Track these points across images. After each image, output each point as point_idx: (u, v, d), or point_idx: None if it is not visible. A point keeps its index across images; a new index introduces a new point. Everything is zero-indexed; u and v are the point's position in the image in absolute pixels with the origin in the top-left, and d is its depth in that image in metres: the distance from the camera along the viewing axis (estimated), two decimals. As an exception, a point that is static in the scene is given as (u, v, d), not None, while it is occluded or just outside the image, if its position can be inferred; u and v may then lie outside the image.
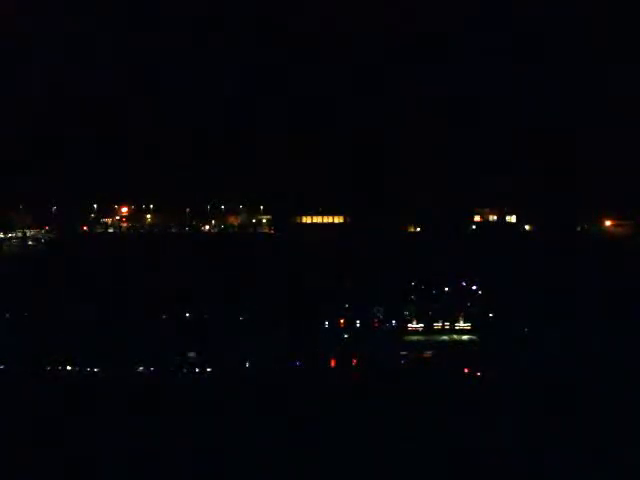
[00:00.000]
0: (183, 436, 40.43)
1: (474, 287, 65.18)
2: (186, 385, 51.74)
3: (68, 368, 53.63)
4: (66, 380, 52.48)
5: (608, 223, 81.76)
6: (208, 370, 53.43)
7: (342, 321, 62.48)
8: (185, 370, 53.48)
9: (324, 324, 62.04)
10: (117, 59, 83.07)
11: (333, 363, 55.37)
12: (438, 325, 62.43)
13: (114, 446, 38.90)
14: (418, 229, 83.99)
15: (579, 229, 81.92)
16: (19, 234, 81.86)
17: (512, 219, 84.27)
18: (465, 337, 61.90)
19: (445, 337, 61.58)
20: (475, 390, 49.93)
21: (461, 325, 62.46)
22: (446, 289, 65.84)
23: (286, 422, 42.33)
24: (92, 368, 53.27)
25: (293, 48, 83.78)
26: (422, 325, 62.14)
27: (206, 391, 50.12)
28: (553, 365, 53.66)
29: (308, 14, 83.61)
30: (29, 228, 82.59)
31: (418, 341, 60.18)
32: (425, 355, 57.50)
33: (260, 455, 38.07)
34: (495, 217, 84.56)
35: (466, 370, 53.52)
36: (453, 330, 62.09)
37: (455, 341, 60.73)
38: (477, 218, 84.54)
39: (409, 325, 62.22)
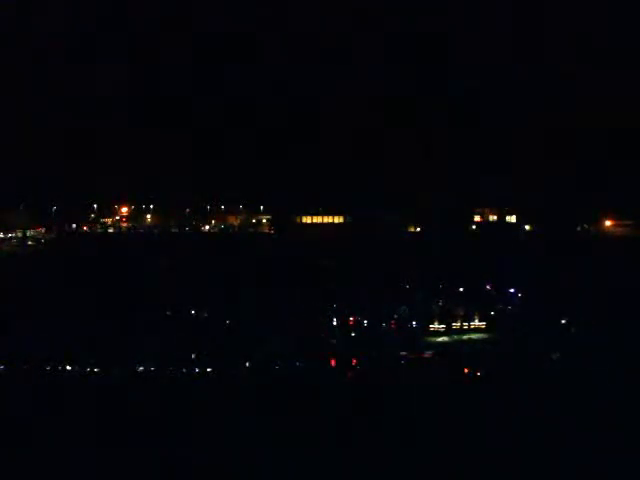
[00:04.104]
0: (183, 436, 40.43)
1: (511, 289, 65.68)
2: (186, 385, 51.69)
3: (68, 368, 53.59)
4: (66, 380, 52.43)
5: (608, 223, 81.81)
6: (208, 370, 53.39)
7: (352, 319, 62.65)
8: (185, 370, 53.44)
9: (332, 322, 62.19)
10: (118, 59, 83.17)
11: (333, 363, 55.33)
12: (456, 325, 62.74)
13: (114, 446, 38.91)
14: (418, 229, 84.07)
15: (579, 229, 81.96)
16: (19, 234, 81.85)
17: (512, 219, 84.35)
18: (465, 337, 62.01)
19: (446, 338, 61.66)
20: (476, 390, 49.94)
21: (476, 324, 62.74)
22: (460, 289, 66.23)
23: (286, 422, 42.33)
24: (92, 368, 53.23)
25: (292, 48, 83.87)
26: (444, 326, 62.32)
27: (206, 391, 50.08)
28: (553, 364, 53.72)
29: (307, 16, 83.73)
30: (29, 228, 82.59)
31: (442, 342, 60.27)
32: (425, 355, 57.47)
33: (260, 454, 38.08)
34: (495, 217, 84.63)
35: (466, 370, 53.47)
36: (470, 329, 62.38)
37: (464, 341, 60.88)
38: (477, 218, 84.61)
39: (430, 326, 62.42)
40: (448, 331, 62.21)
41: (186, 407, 45.32)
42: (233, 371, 53.17)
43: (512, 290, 65.77)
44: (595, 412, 42.25)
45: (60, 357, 53.92)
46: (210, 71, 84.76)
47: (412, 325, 62.25)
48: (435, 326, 62.38)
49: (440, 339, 61.33)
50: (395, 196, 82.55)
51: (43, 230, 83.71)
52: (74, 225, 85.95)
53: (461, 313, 63.13)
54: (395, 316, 62.73)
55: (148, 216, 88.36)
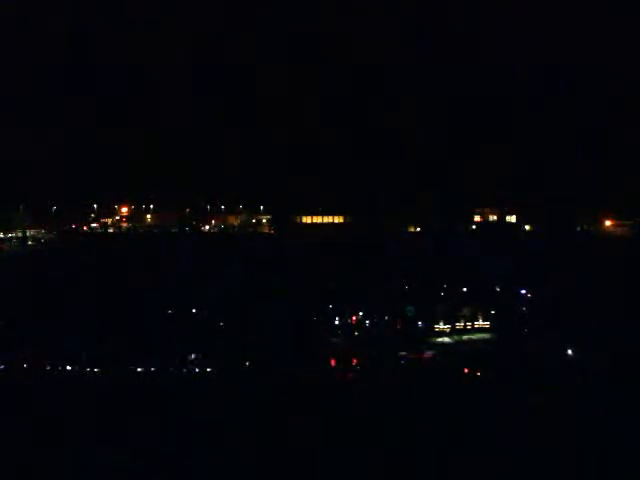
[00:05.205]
0: (183, 436, 40.42)
1: (523, 291, 65.79)
2: (186, 385, 51.70)
3: (68, 368, 53.61)
4: (66, 380, 52.46)
5: (608, 223, 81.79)
6: (208, 370, 53.39)
7: (354, 318, 62.76)
8: (185, 370, 53.44)
9: (334, 322, 62.28)
10: (118, 59, 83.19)
11: (333, 363, 55.33)
12: (460, 325, 62.85)
13: (114, 446, 38.90)
14: (418, 229, 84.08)
15: (579, 229, 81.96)
16: (19, 234, 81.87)
17: (512, 219, 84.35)
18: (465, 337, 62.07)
19: (450, 338, 61.70)
20: (476, 390, 49.94)
21: (480, 323, 62.85)
22: (464, 289, 66.34)
23: (286, 422, 42.34)
24: (92, 368, 53.25)
25: (293, 47, 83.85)
26: (449, 326, 62.34)
27: (206, 391, 50.08)
28: (553, 364, 53.73)
29: (308, 15, 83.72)
30: (29, 228, 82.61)
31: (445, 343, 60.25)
32: (425, 355, 57.49)
33: (260, 454, 38.09)
34: (495, 217, 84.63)
35: (466, 370, 53.46)
36: (474, 329, 62.49)
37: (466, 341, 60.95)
38: (477, 218, 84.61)
39: (435, 326, 62.44)
40: (452, 331, 62.30)
41: (186, 407, 45.30)
42: (233, 371, 53.16)
43: (523, 291, 65.86)
44: (595, 412, 42.26)
45: (60, 357, 53.93)
46: (210, 70, 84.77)
47: (417, 325, 62.33)
48: (440, 326, 62.42)
49: (444, 339, 61.40)
50: (395, 196, 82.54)
51: (43, 230, 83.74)
52: (74, 225, 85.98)
53: (465, 313, 63.20)
54: (400, 316, 62.81)
55: (148, 216, 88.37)
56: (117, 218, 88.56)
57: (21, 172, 78.44)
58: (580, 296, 62.40)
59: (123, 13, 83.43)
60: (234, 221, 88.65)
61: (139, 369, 53.42)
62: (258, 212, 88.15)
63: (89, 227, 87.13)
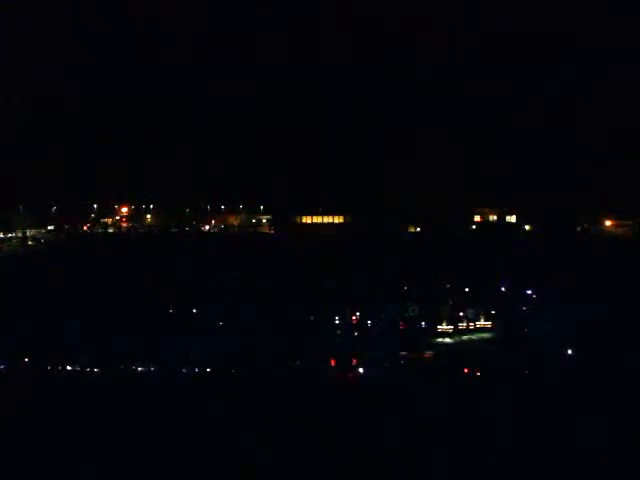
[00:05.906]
0: (183, 436, 40.41)
1: (525, 291, 65.79)
2: (186, 385, 51.70)
3: (68, 368, 53.61)
4: (66, 380, 52.47)
5: (608, 223, 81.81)
6: (208, 370, 53.39)
7: (354, 318, 62.81)
8: (185, 370, 53.44)
9: (334, 321, 62.30)
10: (118, 59, 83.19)
11: (333, 363, 55.33)
12: (463, 325, 62.88)
13: (114, 446, 38.90)
14: (418, 229, 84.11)
15: (579, 229, 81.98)
16: (19, 234, 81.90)
17: (512, 219, 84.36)
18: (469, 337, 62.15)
19: (452, 338, 61.72)
20: (476, 390, 49.94)
21: (482, 323, 62.88)
22: (466, 290, 66.38)
23: (286, 422, 42.33)
24: (92, 368, 53.25)
25: (293, 48, 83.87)
26: (452, 327, 62.29)
27: (206, 391, 50.08)
28: (553, 363, 53.75)
29: (310, 15, 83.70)
30: (29, 228, 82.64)
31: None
32: (425, 355, 57.49)
33: (260, 455, 38.08)
34: (495, 217, 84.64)
35: (466, 370, 53.46)
36: (476, 329, 62.53)
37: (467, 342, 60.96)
38: (477, 218, 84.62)
39: (438, 326, 62.42)
40: (455, 332, 62.33)
41: (186, 407, 45.29)
42: (233, 371, 53.16)
43: (525, 291, 65.89)
44: (595, 413, 42.27)
45: (60, 357, 53.93)
46: (210, 71, 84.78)
47: (420, 326, 62.36)
48: (443, 326, 62.43)
49: (445, 339, 61.41)
50: (395, 196, 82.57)
51: (43, 230, 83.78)
52: (74, 225, 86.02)
53: (468, 313, 63.21)
54: (402, 316, 62.82)
55: (148, 216, 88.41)
56: (117, 218, 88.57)
57: (21, 172, 78.45)
58: (580, 296, 62.39)
59: (123, 13, 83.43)
60: (234, 221, 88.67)
61: (139, 369, 53.42)
62: (258, 212, 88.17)
63: (89, 227, 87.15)
